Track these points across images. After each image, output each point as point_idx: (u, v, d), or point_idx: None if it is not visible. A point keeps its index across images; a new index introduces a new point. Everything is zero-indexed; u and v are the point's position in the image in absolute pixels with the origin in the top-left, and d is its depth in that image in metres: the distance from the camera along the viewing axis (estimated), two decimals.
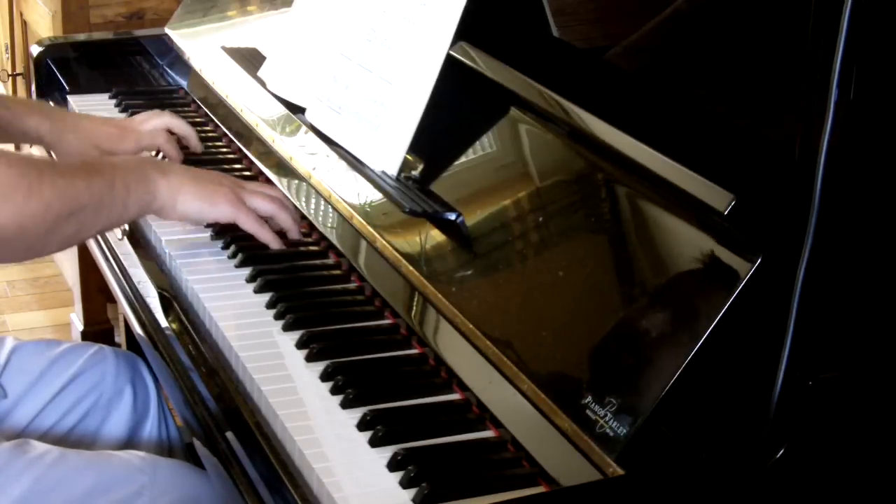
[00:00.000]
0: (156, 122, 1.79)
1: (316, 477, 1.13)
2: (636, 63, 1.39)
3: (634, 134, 1.24)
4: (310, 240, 1.62)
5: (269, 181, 1.73)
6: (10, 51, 3.60)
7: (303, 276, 1.53)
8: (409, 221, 1.42)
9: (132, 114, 2.04)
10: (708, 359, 1.06)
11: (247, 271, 1.52)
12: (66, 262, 3.11)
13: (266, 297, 1.46)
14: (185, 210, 1.50)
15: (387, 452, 1.16)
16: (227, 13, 2.17)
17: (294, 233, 1.59)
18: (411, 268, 1.36)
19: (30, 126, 1.71)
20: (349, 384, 1.27)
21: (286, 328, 1.40)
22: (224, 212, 1.52)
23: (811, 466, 1.07)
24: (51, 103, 2.16)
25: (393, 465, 1.14)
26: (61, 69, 2.24)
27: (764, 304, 1.06)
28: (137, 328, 1.53)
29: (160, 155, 1.79)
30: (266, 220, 1.57)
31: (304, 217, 1.63)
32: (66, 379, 1.65)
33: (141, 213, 1.50)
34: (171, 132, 1.80)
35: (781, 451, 1.05)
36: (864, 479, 1.12)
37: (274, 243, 1.55)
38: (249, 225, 1.54)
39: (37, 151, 1.97)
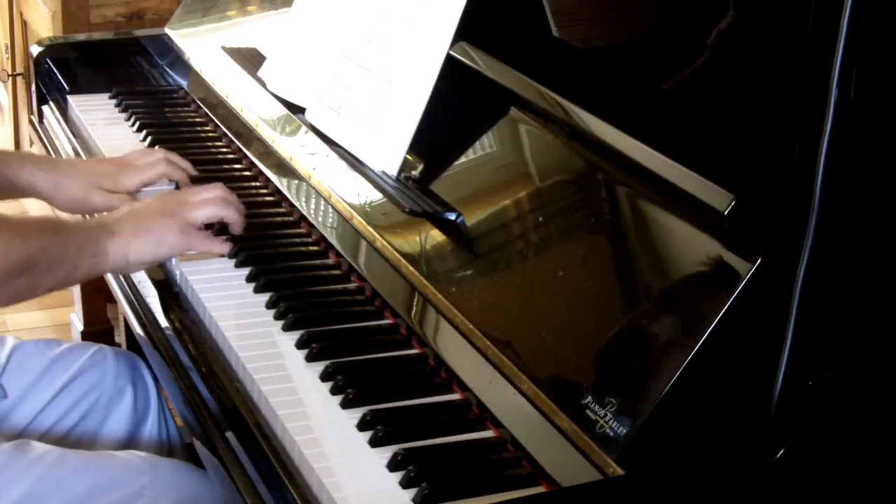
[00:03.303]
0: (153, 157, 1.75)
1: (316, 477, 1.13)
2: (635, 61, 1.39)
3: (634, 134, 1.24)
4: (310, 240, 1.62)
5: (268, 181, 1.73)
6: (10, 51, 3.60)
7: (303, 276, 1.53)
8: (409, 221, 1.41)
9: (132, 114, 2.06)
10: (708, 359, 1.06)
11: (247, 271, 1.52)
12: None
13: (266, 296, 1.46)
14: (140, 260, 1.49)
15: (387, 452, 1.16)
16: (227, 13, 2.17)
17: (237, 228, 1.57)
18: (411, 268, 1.36)
19: (22, 178, 1.67)
20: (349, 384, 1.27)
21: (286, 328, 1.40)
22: (175, 245, 1.50)
23: (811, 467, 1.07)
24: (45, 153, 2.11)
25: (393, 465, 1.14)
26: (61, 69, 2.24)
27: (764, 305, 1.06)
28: (137, 328, 1.53)
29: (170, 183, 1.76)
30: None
31: (304, 217, 1.63)
32: (66, 379, 1.66)
33: (90, 274, 1.48)
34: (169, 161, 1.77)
35: (781, 452, 1.05)
36: (864, 479, 1.12)
37: (226, 250, 1.54)
38: (201, 247, 1.52)
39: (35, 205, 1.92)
